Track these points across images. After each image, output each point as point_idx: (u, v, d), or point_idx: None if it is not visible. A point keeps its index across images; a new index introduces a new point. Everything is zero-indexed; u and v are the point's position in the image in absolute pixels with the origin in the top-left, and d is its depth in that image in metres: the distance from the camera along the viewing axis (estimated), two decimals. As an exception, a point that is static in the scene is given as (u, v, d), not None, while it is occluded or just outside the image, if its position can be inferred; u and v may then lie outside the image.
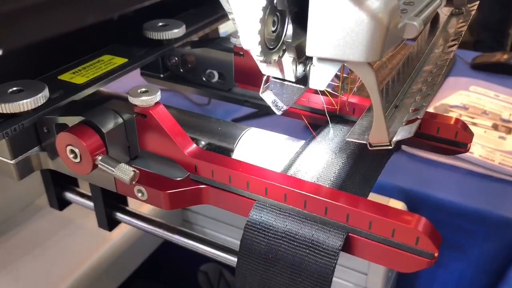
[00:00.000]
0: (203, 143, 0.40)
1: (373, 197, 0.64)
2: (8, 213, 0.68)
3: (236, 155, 0.39)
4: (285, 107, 0.33)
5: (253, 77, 0.44)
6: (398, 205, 0.67)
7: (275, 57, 0.29)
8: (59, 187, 0.49)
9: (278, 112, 0.34)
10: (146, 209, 0.65)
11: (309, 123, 0.41)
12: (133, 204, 0.48)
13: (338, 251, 0.30)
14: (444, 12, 0.46)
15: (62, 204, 0.50)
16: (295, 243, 0.31)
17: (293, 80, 0.31)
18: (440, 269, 0.77)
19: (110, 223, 0.48)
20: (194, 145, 0.35)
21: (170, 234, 0.46)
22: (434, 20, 0.45)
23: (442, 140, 0.38)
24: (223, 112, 0.89)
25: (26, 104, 0.33)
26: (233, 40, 0.44)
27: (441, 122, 0.38)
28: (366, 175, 0.35)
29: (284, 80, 0.32)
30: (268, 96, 0.33)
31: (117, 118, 0.34)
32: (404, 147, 0.78)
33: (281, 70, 0.31)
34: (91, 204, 0.47)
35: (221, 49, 0.45)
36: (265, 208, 0.32)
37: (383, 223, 0.29)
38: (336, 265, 0.30)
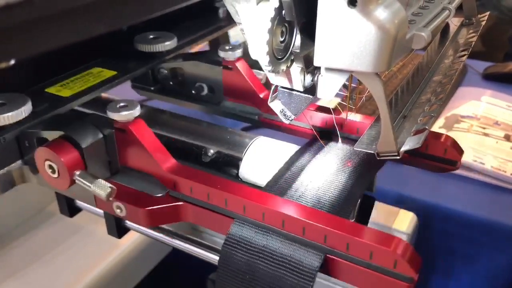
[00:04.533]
0: (212, 151, 0.40)
1: (383, 207, 0.64)
2: (19, 219, 0.69)
3: (245, 163, 0.39)
4: (293, 117, 0.34)
5: (243, 91, 0.44)
6: (409, 215, 0.67)
7: (283, 67, 0.30)
8: (69, 194, 0.49)
9: (286, 121, 0.34)
10: (155, 216, 0.65)
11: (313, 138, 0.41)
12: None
13: (315, 272, 0.29)
14: (454, 22, 0.46)
15: (72, 211, 0.50)
16: (273, 262, 0.30)
17: (301, 89, 0.32)
18: (450, 281, 0.76)
19: (119, 230, 0.48)
20: (174, 161, 0.34)
21: (179, 242, 0.46)
22: (444, 30, 0.45)
23: (431, 157, 0.37)
24: (233, 121, 0.89)
25: (7, 118, 0.32)
26: (221, 53, 0.43)
27: (430, 140, 0.37)
28: (351, 193, 0.34)
29: (292, 89, 0.32)
30: (276, 106, 0.33)
31: (96, 133, 0.33)
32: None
33: (289, 80, 0.31)
34: (101, 211, 0.48)
35: (210, 62, 0.45)
36: (244, 226, 0.32)
37: (361, 245, 0.28)
38: (313, 286, 0.29)
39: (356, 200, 0.34)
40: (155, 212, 0.34)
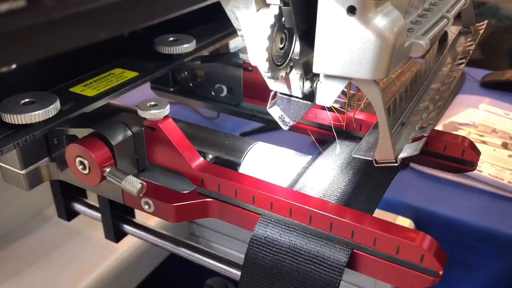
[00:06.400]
0: (210, 156, 0.40)
1: (380, 213, 0.64)
2: (16, 223, 0.68)
3: (243, 169, 0.39)
4: (292, 123, 0.34)
5: (261, 92, 0.44)
6: (406, 222, 0.67)
7: (282, 74, 0.30)
8: (67, 197, 0.49)
9: (285, 128, 0.34)
10: (153, 221, 0.65)
11: (316, 139, 0.41)
12: (140, 217, 0.48)
13: (343, 267, 0.30)
14: (453, 31, 0.46)
15: (70, 214, 0.50)
16: (300, 259, 0.31)
17: (300, 96, 0.32)
18: (448, 288, 0.76)
19: (117, 235, 0.48)
20: (201, 159, 0.35)
21: (176, 247, 0.46)
22: (443, 38, 0.46)
23: (449, 158, 0.38)
24: (232, 126, 0.89)
25: (37, 116, 0.33)
26: (242, 55, 0.44)
27: (448, 140, 0.38)
28: (372, 192, 0.35)
29: (291, 96, 0.32)
30: (275, 112, 0.34)
31: (126, 130, 0.34)
32: (412, 164, 0.77)
33: (289, 86, 0.32)
34: (98, 215, 0.48)
35: (230, 64, 0.46)
36: (270, 223, 0.32)
37: (388, 240, 0.29)
38: (340, 281, 0.30)
39: (379, 199, 0.35)
40: (183, 208, 0.34)
